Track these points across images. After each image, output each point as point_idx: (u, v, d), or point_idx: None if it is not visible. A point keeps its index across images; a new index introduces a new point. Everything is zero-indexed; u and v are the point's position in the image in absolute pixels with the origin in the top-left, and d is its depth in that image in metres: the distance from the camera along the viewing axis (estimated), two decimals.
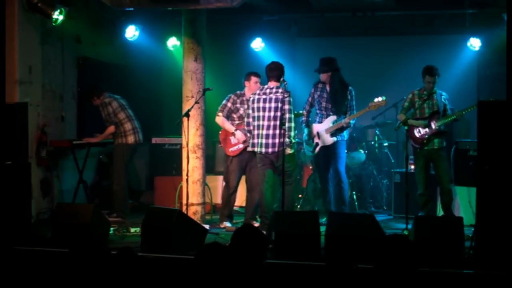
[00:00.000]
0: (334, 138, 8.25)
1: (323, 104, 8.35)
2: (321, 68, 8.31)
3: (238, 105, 8.24)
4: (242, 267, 3.78)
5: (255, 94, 7.79)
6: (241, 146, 8.14)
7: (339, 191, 8.36)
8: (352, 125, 8.49)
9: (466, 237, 6.41)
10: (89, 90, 8.99)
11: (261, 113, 7.68)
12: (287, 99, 7.53)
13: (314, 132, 8.35)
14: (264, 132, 7.65)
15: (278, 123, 7.53)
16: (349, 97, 8.32)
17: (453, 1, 9.53)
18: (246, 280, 3.75)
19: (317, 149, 8.32)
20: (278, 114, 7.55)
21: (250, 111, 7.84)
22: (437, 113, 8.00)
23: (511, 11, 6.40)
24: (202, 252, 3.67)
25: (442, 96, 8.08)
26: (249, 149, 7.85)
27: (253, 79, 8.20)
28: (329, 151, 8.27)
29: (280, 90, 7.62)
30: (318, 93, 8.38)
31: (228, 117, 8.22)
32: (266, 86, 7.77)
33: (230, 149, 8.20)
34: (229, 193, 8.22)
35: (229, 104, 8.22)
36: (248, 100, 8.05)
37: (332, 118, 8.29)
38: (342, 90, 8.26)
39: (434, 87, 8.01)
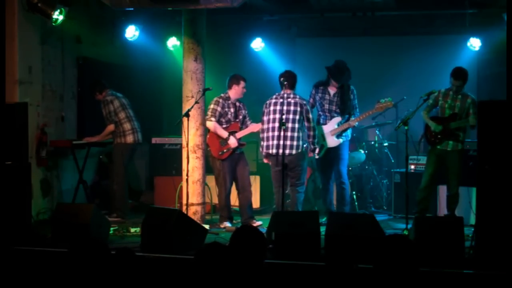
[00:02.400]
0: (340, 140, 8.23)
1: (326, 106, 8.31)
2: (341, 77, 8.19)
3: (226, 109, 8.17)
4: (242, 267, 3.78)
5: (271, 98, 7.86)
6: (230, 149, 8.13)
7: (341, 191, 8.36)
8: (356, 125, 8.49)
9: (466, 237, 6.40)
10: (92, 85, 8.98)
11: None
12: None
13: (320, 134, 8.26)
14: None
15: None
16: (351, 96, 8.31)
17: (453, 1, 9.53)
18: (246, 280, 3.75)
19: (323, 151, 8.24)
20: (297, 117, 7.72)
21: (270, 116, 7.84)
22: (455, 115, 7.79)
23: (511, 11, 6.40)
24: (202, 252, 3.67)
25: (467, 100, 7.79)
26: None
27: (242, 83, 8.18)
28: (333, 153, 8.24)
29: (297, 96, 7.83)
30: (320, 94, 8.35)
31: (217, 121, 8.18)
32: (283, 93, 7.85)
33: (220, 153, 8.13)
34: (225, 196, 8.21)
35: (219, 109, 8.12)
36: (233, 104, 8.15)
37: (337, 119, 8.27)
38: (347, 91, 8.25)
39: (459, 90, 7.76)
